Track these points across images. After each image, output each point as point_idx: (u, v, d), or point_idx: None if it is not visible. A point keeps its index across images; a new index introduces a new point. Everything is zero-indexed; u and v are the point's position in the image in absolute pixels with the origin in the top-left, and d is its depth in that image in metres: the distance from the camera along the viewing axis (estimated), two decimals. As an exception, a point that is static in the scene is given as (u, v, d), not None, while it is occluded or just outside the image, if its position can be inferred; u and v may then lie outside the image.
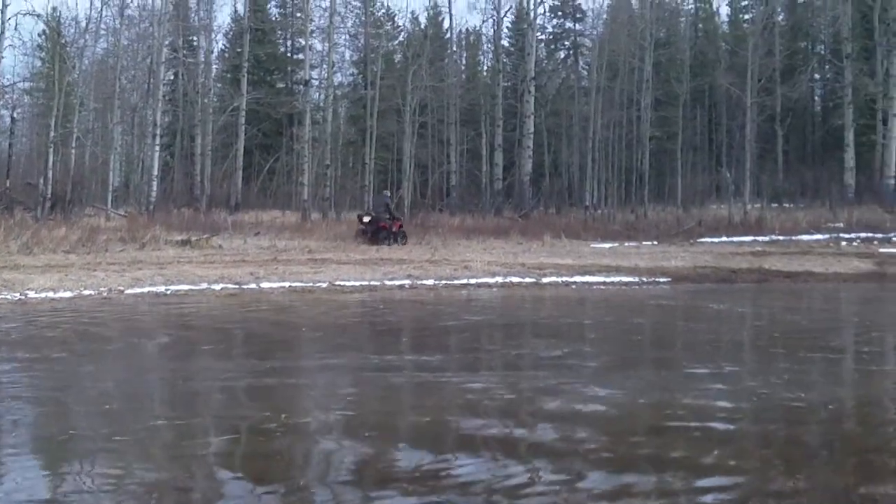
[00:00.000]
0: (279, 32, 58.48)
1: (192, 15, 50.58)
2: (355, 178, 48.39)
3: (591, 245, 30.17)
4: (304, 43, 46.09)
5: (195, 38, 51.85)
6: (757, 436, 6.88)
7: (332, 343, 11.79)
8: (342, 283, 19.30)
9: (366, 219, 29.48)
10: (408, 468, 5.78)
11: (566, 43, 61.10)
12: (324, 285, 18.94)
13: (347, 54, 56.54)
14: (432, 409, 7.59)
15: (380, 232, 28.65)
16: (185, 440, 6.54)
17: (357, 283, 19.31)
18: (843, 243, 30.10)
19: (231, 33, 56.04)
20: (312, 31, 46.77)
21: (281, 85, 57.89)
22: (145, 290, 17.34)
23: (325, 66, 46.61)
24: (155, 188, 38.46)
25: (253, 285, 18.49)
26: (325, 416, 7.34)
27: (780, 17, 55.32)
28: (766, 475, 5.66)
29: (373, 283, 19.55)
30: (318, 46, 49.46)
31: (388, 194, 33.65)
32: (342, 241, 28.22)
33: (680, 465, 5.88)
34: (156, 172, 39.09)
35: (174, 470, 5.80)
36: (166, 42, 42.29)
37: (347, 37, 53.27)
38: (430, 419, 7.21)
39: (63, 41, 44.63)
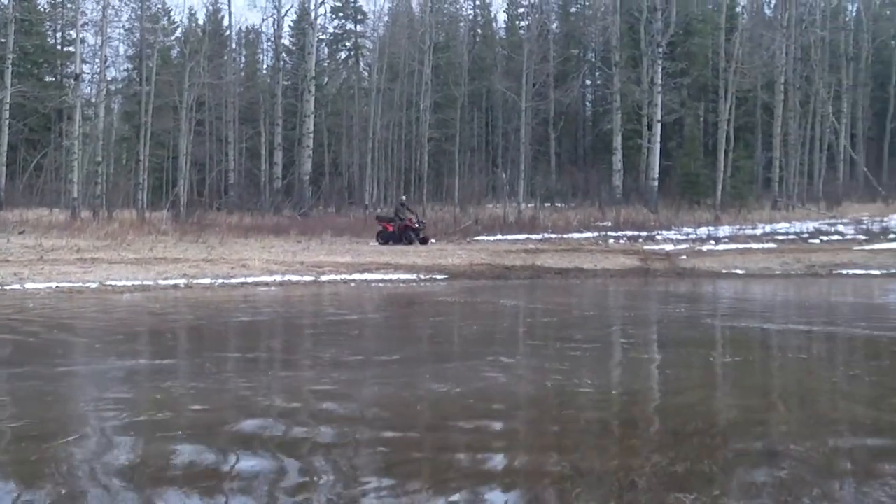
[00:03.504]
0: (48, 24, 55.96)
1: (-51, 2, 47.59)
2: (129, 176, 46.84)
3: (371, 243, 30.38)
4: (75, 35, 44.16)
5: (-48, 27, 48.83)
6: (558, 419, 7.15)
7: (96, 347, 11.29)
8: (113, 282, 18.65)
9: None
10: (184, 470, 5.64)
11: (347, 44, 61.28)
12: (94, 285, 18.24)
13: (122, 49, 54.81)
14: (204, 413, 7.45)
15: (382, 233, 31.08)
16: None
17: (129, 283, 18.70)
18: (611, 241, 31.45)
19: (-7, 23, 53.19)
20: (84, 24, 44.90)
21: (50, 78, 55.50)
22: None
23: (97, 60, 44.82)
24: None
25: (16, 286, 17.61)
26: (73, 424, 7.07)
27: (555, 25, 57.40)
28: (573, 453, 5.86)
29: (146, 282, 18.98)
30: (91, 40, 47.65)
31: (403, 198, 34.43)
32: (113, 239, 27.25)
33: (474, 448, 6.01)
34: None
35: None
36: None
37: (122, 31, 51.48)
38: (202, 424, 7.07)
39: None
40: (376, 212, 33.10)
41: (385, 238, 30.60)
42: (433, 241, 31.46)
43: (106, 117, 47.49)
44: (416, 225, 31.13)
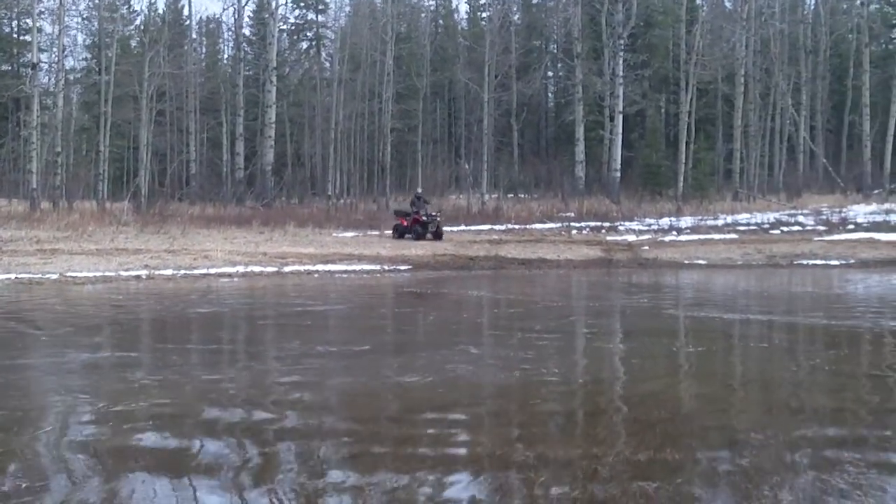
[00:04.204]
0: (4, 12, 55.17)
1: None
2: (89, 167, 46.37)
3: (334, 234, 30.30)
4: (31, 24, 43.52)
5: None
6: (526, 409, 7.28)
7: (55, 339, 11.14)
8: (74, 274, 18.50)
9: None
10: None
11: (308, 34, 60.89)
12: (54, 276, 18.09)
13: (80, 38, 54.18)
14: (171, 405, 7.40)
15: (397, 227, 30.26)
16: None
17: (90, 274, 18.56)
18: (574, 232, 31.57)
19: (-53, 11, 52.48)
20: (41, 13, 44.24)
21: (6, 67, 54.73)
22: None
23: (55, 49, 44.29)
24: None
25: (-26, 277, 17.43)
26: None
27: (516, 17, 57.44)
28: (552, 435, 5.90)
29: (107, 273, 18.86)
30: (49, 28, 47.01)
31: (419, 191, 32.96)
32: (74, 230, 26.96)
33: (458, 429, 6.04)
34: None
35: None
36: None
37: (80, 20, 50.92)
38: (167, 416, 7.03)
39: None
40: (394, 206, 31.71)
41: (400, 232, 29.86)
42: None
43: (65, 107, 46.88)
44: (424, 218, 29.59)
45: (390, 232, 30.46)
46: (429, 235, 29.25)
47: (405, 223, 29.86)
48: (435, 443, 6.05)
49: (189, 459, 5.55)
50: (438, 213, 30.86)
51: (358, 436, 6.23)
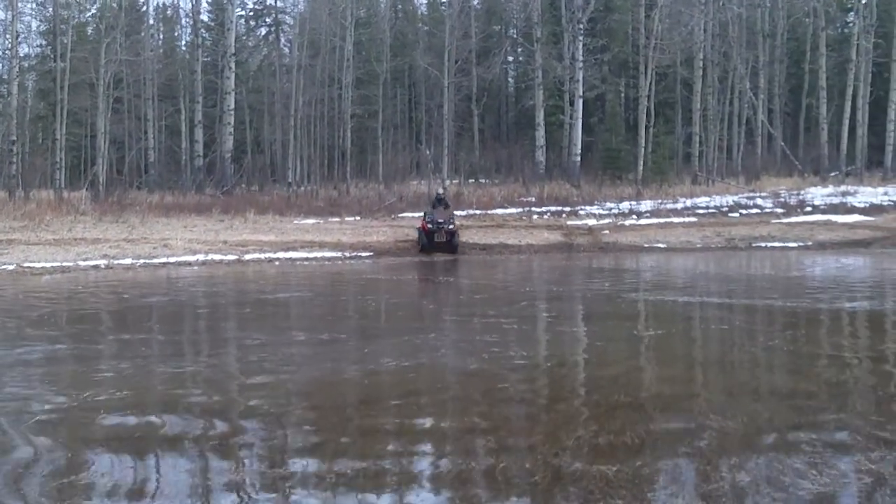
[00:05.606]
0: (-46, -2, 54.32)
1: None
2: (45, 155, 45.82)
3: (295, 221, 30.09)
4: (-17, 10, 42.98)
5: None
6: (498, 391, 7.33)
7: (11, 330, 11.05)
8: (31, 264, 18.33)
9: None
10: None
11: (267, 19, 60.45)
12: (10, 267, 17.91)
13: (34, 24, 53.36)
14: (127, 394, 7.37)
15: (420, 231, 24.05)
16: None
17: (48, 265, 18.38)
18: (535, 216, 31.55)
19: None
20: (-7, -2, 43.66)
21: (-42, 55, 53.91)
22: None
23: (8, 35, 43.64)
24: None
25: (-70, 269, 17.21)
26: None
27: (476, 1, 57.27)
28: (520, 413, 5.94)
29: (65, 263, 18.69)
30: (1, 14, 46.31)
31: (440, 192, 27.95)
32: (31, 220, 26.63)
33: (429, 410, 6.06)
34: None
35: None
36: None
37: (34, 5, 50.17)
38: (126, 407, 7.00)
39: None
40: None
41: (420, 240, 23.87)
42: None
43: (19, 95, 46.27)
44: (430, 226, 23.47)
45: (354, 217, 30.24)
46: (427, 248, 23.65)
47: (424, 229, 23.87)
48: (396, 420, 6.10)
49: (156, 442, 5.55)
50: (450, 220, 24.18)
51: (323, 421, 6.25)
